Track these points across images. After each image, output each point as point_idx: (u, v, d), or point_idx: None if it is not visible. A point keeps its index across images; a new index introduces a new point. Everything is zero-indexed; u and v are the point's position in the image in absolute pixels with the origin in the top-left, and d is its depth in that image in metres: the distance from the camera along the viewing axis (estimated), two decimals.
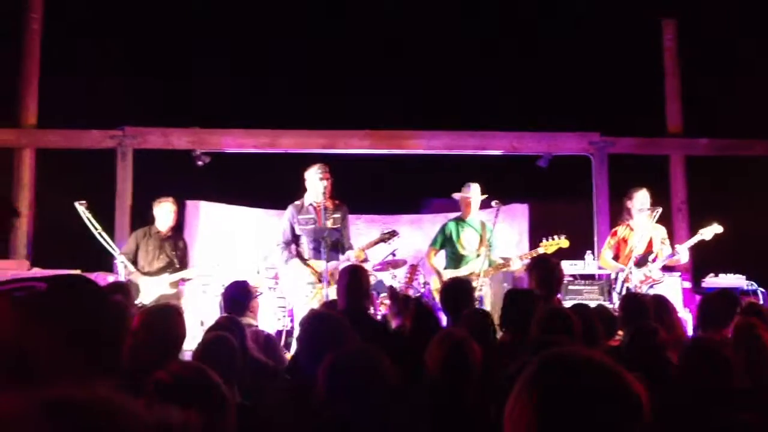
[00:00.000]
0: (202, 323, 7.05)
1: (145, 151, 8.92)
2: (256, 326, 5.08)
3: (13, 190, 8.81)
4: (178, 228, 7.47)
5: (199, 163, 8.71)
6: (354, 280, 4.36)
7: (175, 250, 7.07)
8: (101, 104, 8.93)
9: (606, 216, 8.97)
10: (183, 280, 7.16)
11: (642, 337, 3.92)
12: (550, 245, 6.95)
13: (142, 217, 8.57)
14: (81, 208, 6.77)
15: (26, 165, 8.92)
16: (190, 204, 9.26)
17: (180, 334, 3.23)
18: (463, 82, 9.50)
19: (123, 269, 6.76)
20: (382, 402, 2.39)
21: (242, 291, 5.03)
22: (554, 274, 4.74)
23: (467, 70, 9.50)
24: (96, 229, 6.80)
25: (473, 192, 7.45)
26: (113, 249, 6.80)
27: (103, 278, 7.46)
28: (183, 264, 7.07)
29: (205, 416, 2.17)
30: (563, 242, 6.96)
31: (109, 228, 7.81)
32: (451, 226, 7.37)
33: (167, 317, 3.26)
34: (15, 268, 8.36)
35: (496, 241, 7.20)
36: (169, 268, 7.00)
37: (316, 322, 3.20)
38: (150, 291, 6.81)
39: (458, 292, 4.75)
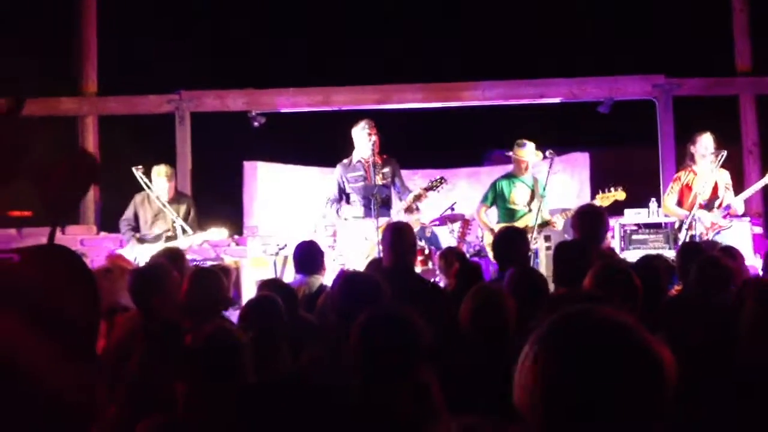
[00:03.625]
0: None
1: (202, 114, 9.03)
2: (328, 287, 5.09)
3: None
4: (180, 193, 7.41)
5: (255, 123, 8.77)
6: (397, 237, 4.31)
7: (177, 214, 6.89)
8: (158, 69, 9.05)
9: (672, 161, 8.63)
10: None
11: (706, 267, 3.76)
12: (605, 197, 6.73)
13: (201, 180, 8.75)
14: (138, 173, 6.91)
15: (90, 132, 9.14)
16: (247, 165, 9.36)
17: (220, 295, 3.32)
18: (518, 28, 9.21)
19: (181, 232, 6.87)
20: (413, 362, 2.35)
21: (312, 250, 5.08)
22: (597, 223, 4.56)
23: (521, 15, 9.20)
24: (153, 193, 6.95)
25: (528, 153, 7.18)
26: (171, 212, 6.92)
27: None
28: (186, 229, 6.90)
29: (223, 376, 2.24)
30: (620, 194, 6.72)
31: None
32: (502, 183, 7.21)
33: (210, 279, 3.34)
34: (84, 234, 8.67)
35: (548, 195, 6.99)
36: (168, 233, 6.94)
37: (344, 282, 3.18)
38: (147, 257, 6.78)
39: (508, 242, 4.60)
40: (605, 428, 1.19)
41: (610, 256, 4.70)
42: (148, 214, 7.08)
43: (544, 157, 7.02)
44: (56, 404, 1.22)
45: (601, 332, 1.24)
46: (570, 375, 1.21)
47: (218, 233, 7.01)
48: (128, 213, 7.21)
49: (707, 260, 3.90)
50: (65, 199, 1.66)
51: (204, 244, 7.21)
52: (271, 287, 3.97)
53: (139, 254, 6.74)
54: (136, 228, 7.16)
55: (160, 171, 7.07)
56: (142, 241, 7.05)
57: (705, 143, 6.86)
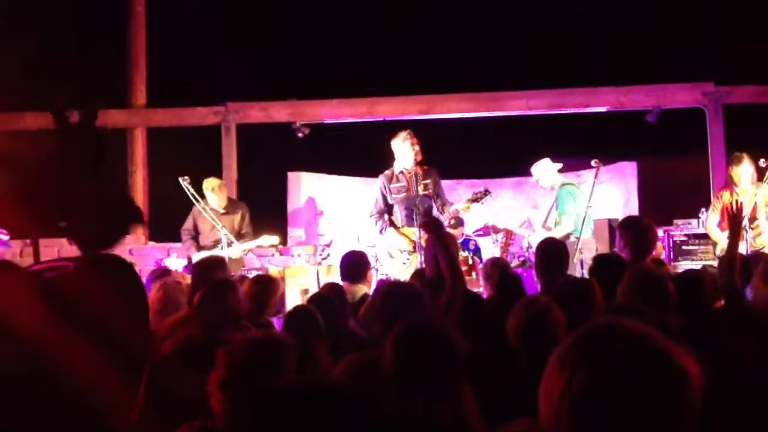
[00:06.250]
0: (307, 291, 7.19)
1: (248, 125, 9.13)
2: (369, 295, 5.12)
3: (127, 169, 9.24)
4: (235, 201, 7.57)
5: (299, 134, 8.83)
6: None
7: (232, 224, 7.15)
8: (204, 81, 9.20)
9: (722, 171, 8.43)
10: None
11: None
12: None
13: (246, 190, 8.84)
14: (185, 183, 7.01)
15: (139, 144, 9.32)
16: (291, 175, 9.42)
17: (234, 307, 3.32)
18: (564, 36, 9.12)
19: (226, 241, 6.95)
20: (446, 374, 2.32)
21: (360, 260, 5.16)
22: (646, 235, 4.44)
23: (565, 24, 9.11)
24: (199, 203, 7.05)
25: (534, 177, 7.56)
26: (216, 222, 7.01)
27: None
28: (241, 236, 7.14)
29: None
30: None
31: None
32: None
33: (221, 292, 3.34)
34: (132, 243, 8.82)
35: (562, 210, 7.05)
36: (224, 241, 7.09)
37: (387, 292, 3.16)
38: None
39: (550, 255, 4.53)
40: None
41: (655, 266, 4.57)
42: (205, 223, 7.24)
43: (590, 167, 6.93)
44: (93, 409, 1.22)
45: (626, 344, 1.24)
46: (595, 387, 1.21)
47: (270, 240, 7.14)
48: (188, 223, 7.40)
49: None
50: (99, 236, 1.67)
51: (248, 254, 7.31)
52: (330, 290, 4.04)
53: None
54: (195, 237, 7.32)
55: (207, 185, 7.25)
56: (201, 249, 7.19)
57: (744, 169, 6.74)
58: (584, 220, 6.60)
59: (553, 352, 1.31)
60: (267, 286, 4.57)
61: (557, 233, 6.65)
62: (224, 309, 3.23)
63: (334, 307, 3.79)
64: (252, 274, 6.36)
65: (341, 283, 5.12)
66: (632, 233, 4.39)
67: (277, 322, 5.31)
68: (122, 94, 9.31)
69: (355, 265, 5.07)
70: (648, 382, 1.19)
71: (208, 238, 7.25)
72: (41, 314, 1.34)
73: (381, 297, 3.15)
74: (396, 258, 6.41)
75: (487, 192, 6.32)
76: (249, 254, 7.58)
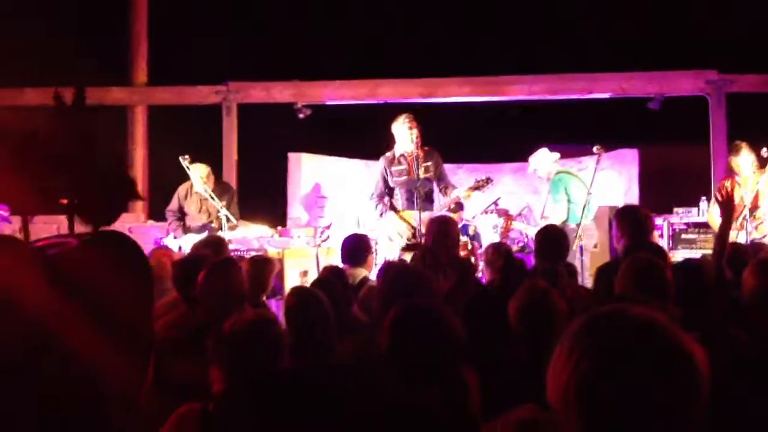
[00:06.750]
0: (306, 273, 7.19)
1: (249, 105, 9.09)
2: (371, 281, 5.10)
3: (127, 147, 9.22)
4: (223, 185, 7.51)
5: (301, 115, 8.80)
6: (442, 231, 4.28)
7: (217, 208, 6.97)
8: (206, 60, 9.15)
9: (724, 159, 8.41)
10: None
11: None
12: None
13: (246, 170, 8.82)
14: (185, 162, 6.99)
15: (139, 122, 9.30)
16: (292, 156, 9.39)
17: (239, 287, 3.30)
18: (566, 21, 9.07)
19: (226, 222, 6.93)
20: (444, 358, 2.32)
21: (361, 243, 5.13)
22: (643, 225, 4.37)
23: (569, 9, 9.06)
24: (202, 186, 7.01)
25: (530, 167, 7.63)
26: (216, 202, 6.98)
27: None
28: (231, 218, 6.97)
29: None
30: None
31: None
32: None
33: (226, 271, 3.32)
34: (132, 221, 8.81)
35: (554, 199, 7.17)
36: (212, 224, 7.03)
37: (390, 273, 3.16)
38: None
39: (549, 241, 4.51)
40: (639, 425, 1.20)
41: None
42: (192, 205, 7.19)
43: (592, 154, 6.91)
44: (97, 391, 1.22)
45: (634, 329, 1.25)
46: (603, 372, 1.22)
47: (260, 231, 7.16)
48: (173, 204, 7.35)
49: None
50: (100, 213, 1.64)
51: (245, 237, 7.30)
52: (332, 274, 4.02)
53: (183, 244, 6.85)
54: (181, 218, 7.29)
55: (195, 171, 7.11)
56: (187, 230, 7.15)
57: (744, 158, 6.72)
58: (584, 206, 6.59)
59: (561, 337, 1.32)
60: (264, 267, 4.56)
61: (552, 222, 6.66)
62: (228, 289, 3.22)
63: (338, 291, 3.77)
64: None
65: (341, 266, 5.12)
66: (629, 223, 4.33)
67: (275, 304, 5.32)
68: (123, 72, 9.26)
69: (355, 248, 5.05)
70: (656, 366, 1.21)
71: (195, 221, 7.20)
72: (45, 292, 1.33)
73: (383, 278, 3.15)
74: (395, 242, 6.41)
75: (488, 180, 6.33)
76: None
